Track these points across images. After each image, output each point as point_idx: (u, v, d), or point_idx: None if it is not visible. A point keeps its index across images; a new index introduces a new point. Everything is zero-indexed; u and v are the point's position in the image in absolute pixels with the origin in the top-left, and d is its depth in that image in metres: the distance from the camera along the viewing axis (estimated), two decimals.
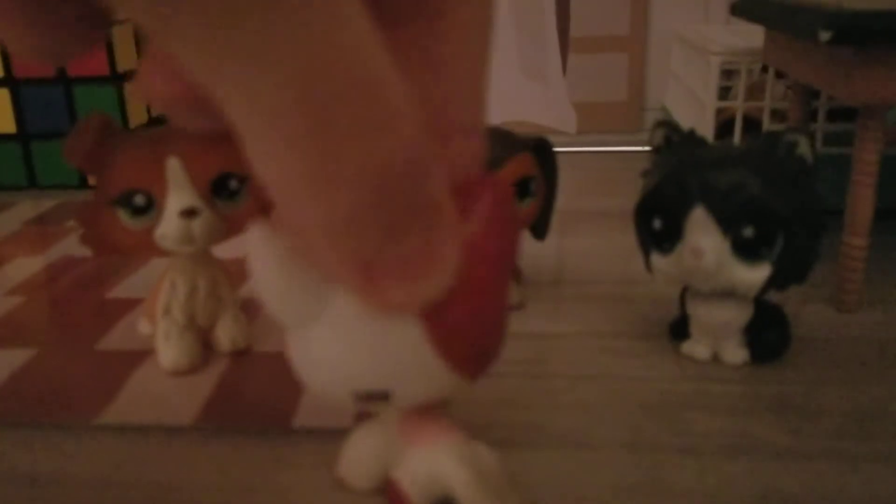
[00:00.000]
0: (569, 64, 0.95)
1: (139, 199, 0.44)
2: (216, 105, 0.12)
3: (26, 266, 0.67)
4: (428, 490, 0.31)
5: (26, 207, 0.85)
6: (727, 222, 0.41)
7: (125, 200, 0.44)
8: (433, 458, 0.31)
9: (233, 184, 0.46)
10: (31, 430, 0.42)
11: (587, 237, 0.70)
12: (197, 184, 0.45)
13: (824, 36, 0.45)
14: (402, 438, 0.32)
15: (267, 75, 0.10)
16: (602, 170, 0.92)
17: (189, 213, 0.44)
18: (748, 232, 0.41)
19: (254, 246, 0.16)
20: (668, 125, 0.45)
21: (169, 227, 0.44)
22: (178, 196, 0.44)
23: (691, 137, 0.44)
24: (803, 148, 0.42)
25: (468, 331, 0.19)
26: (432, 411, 0.32)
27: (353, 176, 0.11)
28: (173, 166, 0.44)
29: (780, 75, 0.73)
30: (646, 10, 1.07)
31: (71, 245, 0.72)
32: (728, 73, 0.88)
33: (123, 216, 0.45)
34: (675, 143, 0.45)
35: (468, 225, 0.17)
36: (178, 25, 0.10)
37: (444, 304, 0.16)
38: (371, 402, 0.22)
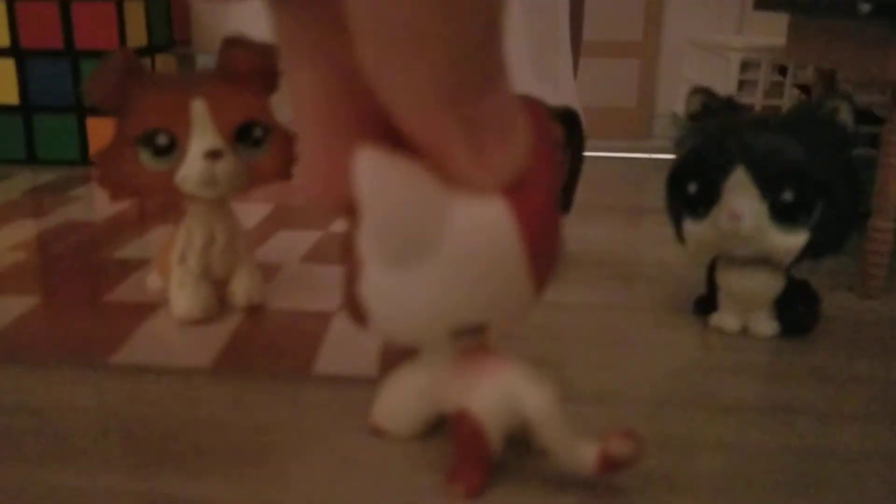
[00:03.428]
0: (580, 68, 0.94)
1: (162, 139, 0.43)
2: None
3: (27, 227, 0.65)
4: (505, 415, 0.31)
5: (25, 179, 0.83)
6: (767, 185, 0.41)
7: (147, 140, 0.43)
8: (510, 383, 0.31)
9: (257, 132, 0.45)
10: (42, 368, 0.41)
11: (597, 227, 0.69)
12: (221, 128, 0.43)
13: (864, 8, 0.45)
14: (463, 375, 0.31)
15: None
16: (609, 173, 0.92)
17: (214, 155, 0.43)
18: (787, 196, 0.41)
19: (367, 169, 0.15)
20: (705, 92, 0.45)
21: (192, 168, 0.43)
22: (201, 138, 0.43)
23: (730, 103, 0.44)
24: (844, 114, 0.41)
25: (552, 252, 0.19)
26: (490, 346, 0.31)
27: (464, 19, 0.12)
28: (198, 108, 0.43)
29: (800, 86, 0.74)
30: (659, 16, 1.08)
31: (73, 211, 0.70)
32: (742, 83, 0.88)
33: (144, 157, 0.43)
34: (713, 108, 0.44)
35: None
36: None
37: (540, 224, 0.17)
38: (464, 336, 0.21)
